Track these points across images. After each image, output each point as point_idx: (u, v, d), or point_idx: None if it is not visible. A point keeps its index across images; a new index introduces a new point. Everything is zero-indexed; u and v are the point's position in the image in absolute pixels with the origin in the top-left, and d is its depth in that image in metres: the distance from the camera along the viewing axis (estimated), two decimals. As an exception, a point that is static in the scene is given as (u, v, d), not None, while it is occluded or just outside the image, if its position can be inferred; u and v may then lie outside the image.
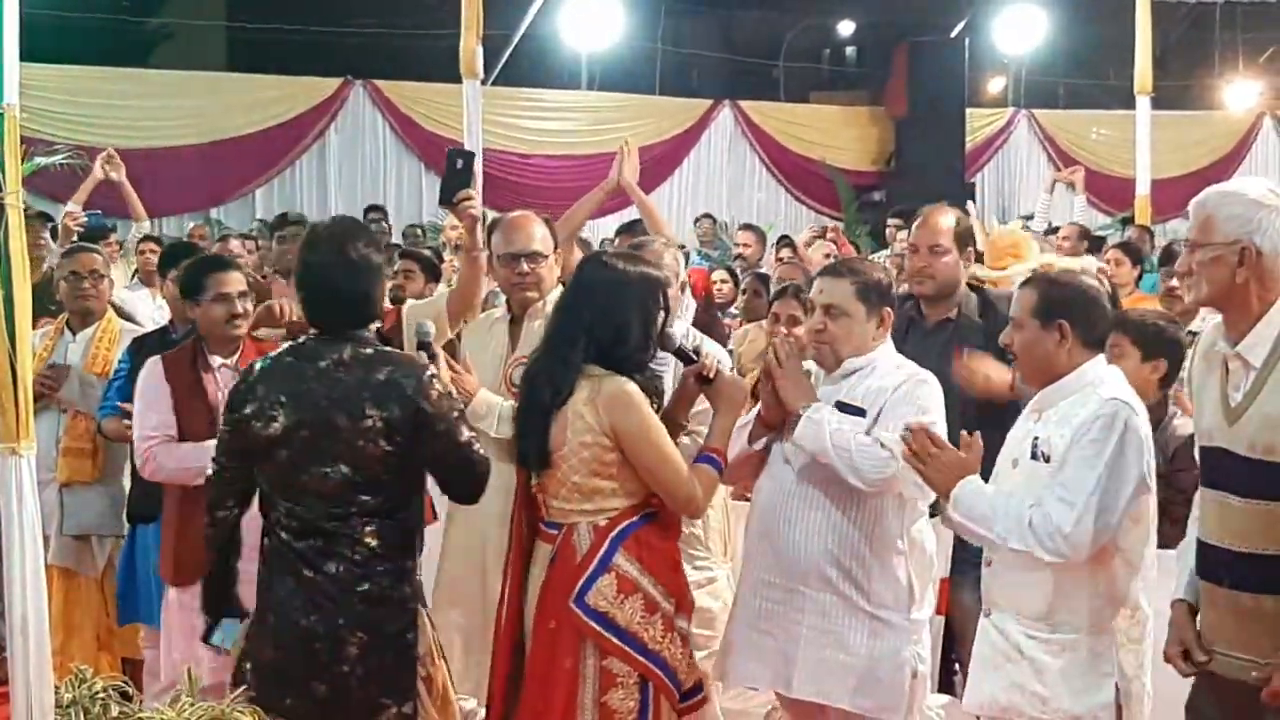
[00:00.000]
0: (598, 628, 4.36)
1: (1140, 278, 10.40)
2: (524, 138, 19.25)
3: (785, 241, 12.48)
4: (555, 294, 5.57)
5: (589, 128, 19.78)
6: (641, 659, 4.38)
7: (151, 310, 8.99)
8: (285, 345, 4.81)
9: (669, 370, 5.08)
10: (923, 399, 4.77)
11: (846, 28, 24.69)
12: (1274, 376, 3.82)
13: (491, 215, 6.11)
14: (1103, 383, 4.27)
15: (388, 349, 4.57)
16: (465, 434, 4.47)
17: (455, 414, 4.48)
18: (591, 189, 7.03)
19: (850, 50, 25.57)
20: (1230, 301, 3.92)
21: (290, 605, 4.41)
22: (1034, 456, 4.26)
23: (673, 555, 4.58)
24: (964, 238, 5.97)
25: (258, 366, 4.56)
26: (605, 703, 4.36)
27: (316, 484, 4.37)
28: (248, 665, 4.44)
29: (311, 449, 4.37)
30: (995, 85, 25.00)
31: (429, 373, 4.48)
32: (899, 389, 4.77)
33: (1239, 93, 24.50)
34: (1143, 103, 12.05)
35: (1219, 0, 21.91)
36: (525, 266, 5.49)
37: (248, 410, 4.46)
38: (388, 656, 4.43)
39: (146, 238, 10.84)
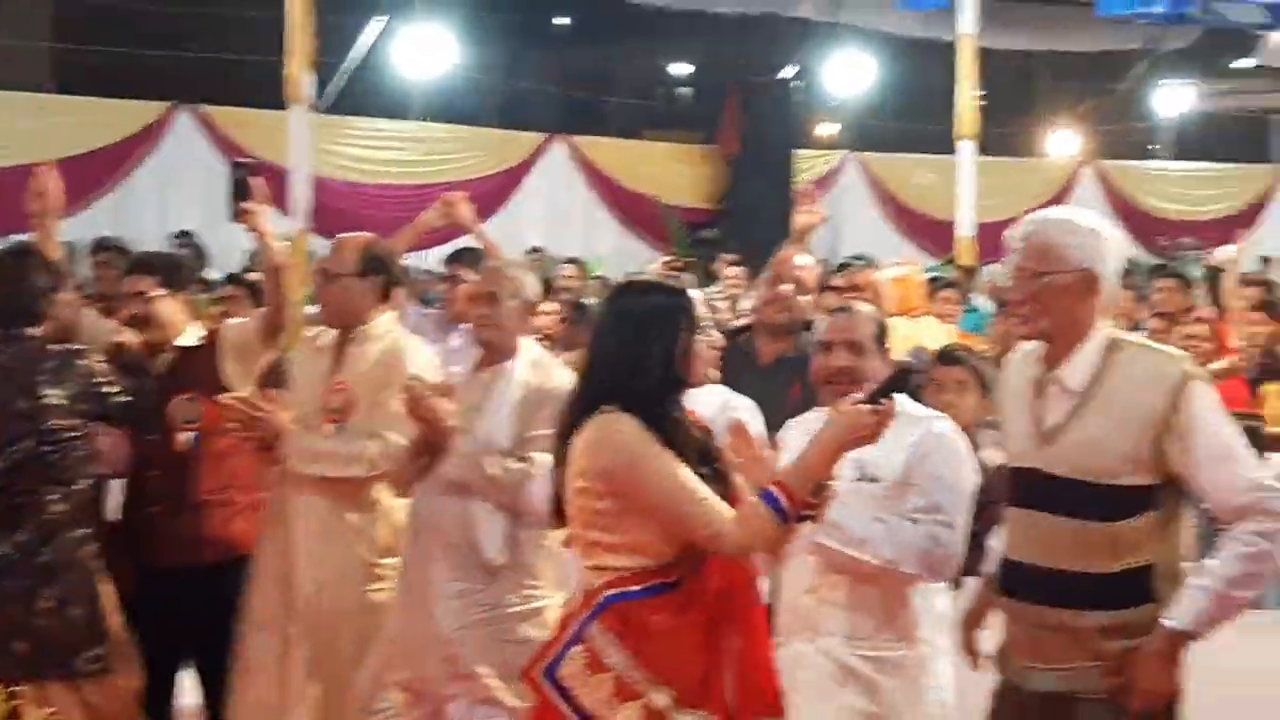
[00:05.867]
0: (560, 703, 3.82)
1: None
2: (355, 166, 19.00)
3: None
4: (383, 318, 5.52)
5: (420, 158, 19.62)
6: None
7: None
8: None
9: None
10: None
11: (681, 68, 24.90)
12: (1095, 402, 3.88)
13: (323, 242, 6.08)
14: (906, 404, 4.37)
15: (57, 343, 5.30)
16: (120, 394, 5.28)
17: (116, 388, 5.29)
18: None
19: (685, 89, 25.78)
20: (1065, 329, 3.94)
21: None
22: (859, 478, 4.30)
23: (685, 638, 3.83)
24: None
25: None
26: None
27: (4, 464, 5.09)
28: None
29: None
30: (827, 128, 25.35)
31: (95, 355, 5.33)
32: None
33: (1061, 141, 25.12)
34: (964, 147, 12.23)
35: (1044, 50, 22.41)
36: (330, 287, 5.47)
37: None
38: (78, 610, 5.15)
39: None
